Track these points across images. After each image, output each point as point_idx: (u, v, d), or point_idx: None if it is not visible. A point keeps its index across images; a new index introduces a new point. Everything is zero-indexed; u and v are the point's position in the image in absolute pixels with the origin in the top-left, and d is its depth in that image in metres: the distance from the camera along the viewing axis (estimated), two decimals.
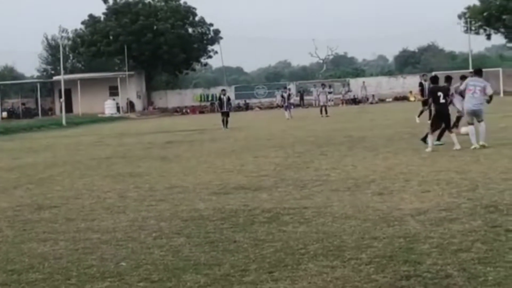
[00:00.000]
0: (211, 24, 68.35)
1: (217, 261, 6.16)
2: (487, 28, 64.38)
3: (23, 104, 64.39)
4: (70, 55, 72.23)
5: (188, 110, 62.51)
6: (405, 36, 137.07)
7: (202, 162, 15.34)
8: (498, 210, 7.73)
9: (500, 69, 56.66)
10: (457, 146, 14.59)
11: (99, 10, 68.20)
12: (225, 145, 20.14)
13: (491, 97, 15.34)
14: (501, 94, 51.57)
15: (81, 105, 57.57)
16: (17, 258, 6.74)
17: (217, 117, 33.45)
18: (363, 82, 62.95)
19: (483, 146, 14.49)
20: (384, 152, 15.08)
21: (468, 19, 62.91)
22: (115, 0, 67.10)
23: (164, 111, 63.44)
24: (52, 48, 74.80)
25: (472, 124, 15.00)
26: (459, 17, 65.68)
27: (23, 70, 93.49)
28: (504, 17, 60.87)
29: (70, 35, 69.83)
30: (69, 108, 56.09)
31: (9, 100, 68.91)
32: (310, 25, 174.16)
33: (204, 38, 68.58)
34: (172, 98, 66.74)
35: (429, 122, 16.33)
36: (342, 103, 58.97)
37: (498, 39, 69.03)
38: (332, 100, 54.16)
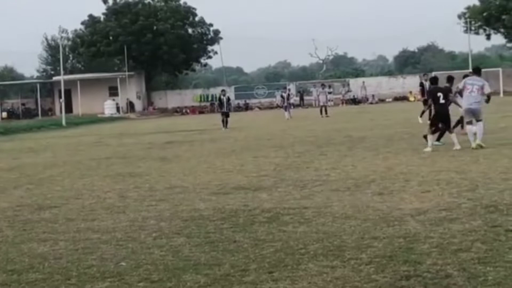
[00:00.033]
0: (211, 25, 68.41)
1: (217, 261, 6.16)
2: (487, 28, 64.39)
3: (23, 104, 64.42)
4: (70, 55, 72.25)
5: (188, 111, 62.52)
6: (405, 36, 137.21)
7: (202, 162, 15.34)
8: (498, 210, 7.73)
9: (500, 69, 56.72)
10: (457, 146, 14.59)
11: (99, 10, 68.35)
12: (225, 145, 20.14)
13: (489, 96, 15.33)
14: (501, 94, 51.59)
15: (81, 106, 57.58)
16: (17, 258, 6.74)
17: (217, 117, 33.46)
18: (363, 82, 62.97)
19: (479, 146, 14.43)
20: (384, 152, 15.08)
21: (468, 19, 62.92)
22: (115, 1, 67.11)
23: (164, 112, 63.46)
24: (52, 48, 74.80)
25: (470, 123, 14.97)
26: (459, 17, 65.74)
27: (23, 70, 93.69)
28: (503, 17, 60.86)
29: (70, 35, 69.98)
30: (69, 108, 56.10)
31: (9, 100, 68.95)
32: (310, 25, 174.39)
33: (204, 39, 68.59)
34: (172, 99, 66.75)
35: (428, 122, 16.33)
36: (342, 103, 58.97)
37: (497, 39, 69.12)
38: (332, 100, 54.12)
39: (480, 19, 63.38)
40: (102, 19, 67.70)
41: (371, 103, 58.90)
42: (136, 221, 8.36)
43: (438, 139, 15.83)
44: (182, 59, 66.23)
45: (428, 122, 16.80)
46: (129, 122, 49.43)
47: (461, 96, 15.56)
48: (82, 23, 68.07)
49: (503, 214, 7.50)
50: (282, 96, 43.05)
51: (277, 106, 56.07)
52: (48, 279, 5.90)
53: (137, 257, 6.47)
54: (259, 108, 62.20)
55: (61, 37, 62.40)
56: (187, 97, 66.57)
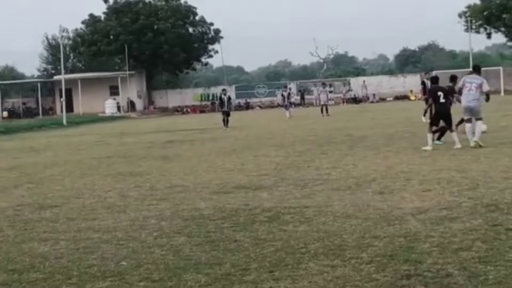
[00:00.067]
0: (212, 24, 68.40)
1: (218, 260, 6.16)
2: (488, 27, 64.33)
3: (23, 103, 64.45)
4: (71, 54, 72.23)
5: (189, 110, 62.51)
6: (405, 35, 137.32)
7: (202, 162, 15.34)
8: (499, 209, 7.73)
9: (501, 68, 56.68)
10: (458, 145, 14.58)
11: (100, 9, 68.30)
12: (226, 144, 20.15)
13: (488, 94, 15.28)
14: (502, 93, 51.54)
15: (81, 105, 57.58)
16: (18, 257, 6.74)
17: (218, 116, 33.45)
18: (364, 81, 62.92)
19: (478, 145, 14.31)
20: (384, 151, 15.08)
21: (469, 18, 62.87)
22: (116, 0, 67.09)
23: (165, 111, 63.48)
24: (53, 47, 74.79)
25: (469, 121, 14.94)
26: (460, 16, 65.69)
27: (24, 69, 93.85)
28: (504, 16, 60.82)
29: (71, 34, 69.96)
30: (69, 107, 56.13)
31: (10, 99, 68.96)
32: (311, 24, 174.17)
33: (204, 38, 68.57)
34: (173, 98, 66.77)
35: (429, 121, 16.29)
36: (343, 102, 58.95)
37: (498, 38, 69.03)
38: (333, 99, 54.11)
39: (480, 18, 63.33)
40: (102, 18, 67.68)
41: (372, 102, 58.88)
42: (137, 220, 8.36)
43: (438, 138, 15.84)
44: (183, 58, 66.22)
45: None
46: (130, 121, 49.44)
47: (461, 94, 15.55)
48: (83, 22, 68.06)
49: (503, 213, 7.50)
50: (282, 95, 43.03)
51: (278, 105, 56.04)
52: (49, 279, 5.90)
53: (138, 257, 6.47)
54: (260, 107, 62.21)
55: (62, 36, 62.52)
56: (188, 96, 66.57)
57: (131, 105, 61.30)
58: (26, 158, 19.20)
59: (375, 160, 13.52)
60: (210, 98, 64.00)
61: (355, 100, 60.30)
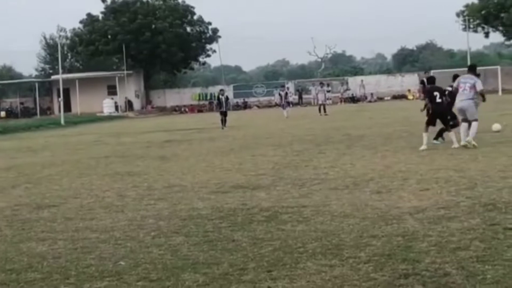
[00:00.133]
0: (210, 23, 68.39)
1: (216, 260, 6.16)
2: (485, 26, 64.43)
3: (21, 103, 64.36)
4: (69, 54, 72.17)
5: (187, 109, 62.52)
6: (403, 34, 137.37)
7: (200, 161, 15.34)
8: (497, 208, 7.74)
9: (499, 67, 56.69)
10: (456, 145, 14.58)
11: (97, 9, 68.43)
12: (224, 144, 20.14)
13: (482, 94, 15.22)
14: (500, 92, 51.57)
15: (79, 104, 57.52)
16: (16, 257, 6.74)
17: (216, 116, 33.46)
18: (362, 80, 62.95)
19: (472, 145, 14.32)
20: (382, 151, 15.09)
21: (467, 17, 62.95)
22: None
23: (163, 110, 63.46)
24: (50, 47, 74.69)
25: (464, 121, 14.90)
26: (458, 15, 65.77)
27: (21, 69, 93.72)
28: (502, 15, 60.95)
29: (68, 34, 69.99)
30: (67, 107, 56.05)
31: (8, 99, 68.94)
32: (309, 23, 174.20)
33: (202, 37, 68.55)
34: (171, 97, 66.76)
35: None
36: (341, 102, 59.01)
37: (496, 37, 69.14)
38: (331, 99, 54.15)
39: (478, 17, 63.43)
40: (100, 18, 67.66)
41: (370, 101, 58.92)
42: (135, 220, 8.36)
43: (436, 138, 15.84)
44: (181, 58, 66.20)
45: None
46: (128, 121, 49.43)
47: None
48: (81, 22, 68.03)
49: (501, 212, 7.51)
50: (280, 95, 43.05)
51: (276, 105, 55.95)
52: (47, 279, 5.90)
53: (136, 256, 6.47)
54: (258, 106, 62.20)
55: (60, 36, 62.51)
56: (186, 95, 66.57)
57: (129, 104, 61.28)
58: (24, 158, 19.19)
59: (373, 160, 13.53)
60: (208, 97, 64.02)
61: (353, 100, 60.32)
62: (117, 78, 59.89)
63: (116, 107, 58.98)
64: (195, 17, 68.17)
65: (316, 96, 44.36)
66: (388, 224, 7.25)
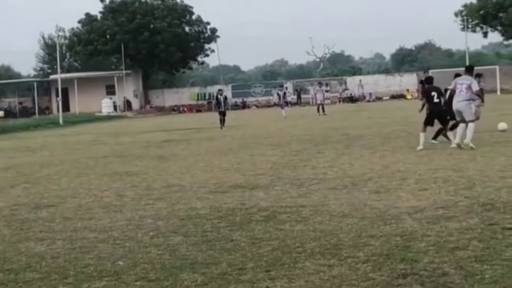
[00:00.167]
0: (208, 23, 68.36)
1: (214, 260, 6.16)
2: (484, 26, 64.48)
3: (20, 103, 64.31)
4: (67, 54, 72.14)
5: (185, 109, 62.51)
6: (402, 34, 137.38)
7: (199, 161, 15.34)
8: (495, 208, 7.74)
9: (497, 67, 56.68)
10: (454, 145, 14.58)
11: (96, 8, 68.37)
12: (222, 144, 20.14)
13: (478, 94, 15.20)
14: (498, 92, 51.61)
15: (78, 104, 57.46)
16: (14, 257, 6.73)
17: (214, 115, 33.45)
18: (360, 80, 62.97)
19: (461, 145, 14.34)
20: (381, 150, 15.09)
21: (465, 17, 62.96)
22: None
23: (161, 110, 63.45)
24: (49, 47, 74.65)
25: (462, 122, 14.89)
26: (456, 15, 65.79)
27: (20, 69, 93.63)
28: (500, 15, 61.01)
29: (67, 34, 69.94)
30: (66, 107, 55.99)
31: (6, 99, 68.87)
32: (307, 23, 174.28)
33: (201, 37, 68.56)
34: (169, 97, 66.74)
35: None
36: (339, 102, 59.02)
37: (494, 36, 69.25)
38: (329, 99, 54.14)
39: (477, 17, 63.49)
40: (99, 17, 67.63)
41: (368, 101, 58.96)
42: (133, 220, 8.36)
43: (435, 137, 15.85)
44: (179, 58, 66.19)
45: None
46: (126, 120, 49.41)
47: (478, 96, 15.54)
48: (79, 21, 67.98)
49: (500, 212, 7.51)
50: (278, 94, 43.07)
51: (274, 104, 56.05)
52: (45, 278, 5.90)
53: (134, 256, 6.46)
54: (256, 106, 62.21)
55: (58, 35, 62.10)
56: (184, 95, 66.56)
57: (128, 104, 61.25)
58: (23, 158, 19.17)
59: (372, 159, 13.53)
60: (207, 97, 64.05)
61: (352, 99, 60.34)
62: (115, 78, 59.86)
63: (115, 107, 58.94)
64: (193, 17, 68.17)
65: (315, 96, 44.40)
66: (387, 224, 7.25)
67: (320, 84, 45.76)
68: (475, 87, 14.86)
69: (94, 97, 58.56)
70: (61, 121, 45.20)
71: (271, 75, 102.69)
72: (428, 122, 15.32)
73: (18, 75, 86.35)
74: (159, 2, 67.38)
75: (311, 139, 19.87)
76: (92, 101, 57.87)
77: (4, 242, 7.49)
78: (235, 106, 60.47)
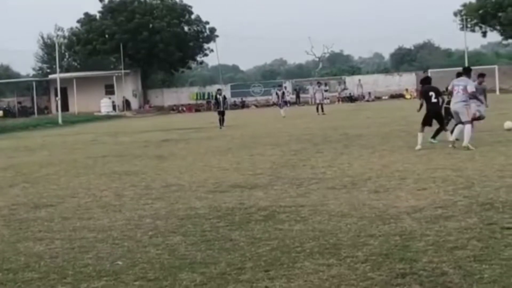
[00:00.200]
0: (207, 22, 68.27)
1: (213, 259, 6.16)
2: (483, 26, 64.45)
3: (19, 102, 64.22)
4: (66, 53, 72.04)
5: (184, 108, 62.47)
6: (401, 33, 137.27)
7: (198, 161, 15.34)
8: (494, 208, 7.75)
9: (496, 67, 56.66)
10: (450, 143, 14.59)
11: (95, 8, 68.16)
12: (221, 143, 20.14)
13: (473, 95, 15.21)
14: (497, 92, 51.59)
15: (77, 104, 57.42)
16: (13, 257, 6.73)
17: (213, 115, 33.44)
18: (359, 80, 62.92)
19: (453, 143, 14.36)
20: (380, 150, 15.10)
21: (464, 17, 62.96)
22: None
23: (160, 110, 63.40)
24: (48, 46, 74.55)
25: (460, 123, 14.87)
26: (455, 14, 65.78)
27: (19, 68, 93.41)
28: (499, 14, 60.95)
29: (66, 33, 69.75)
30: (65, 106, 55.98)
31: (5, 99, 68.75)
32: (306, 23, 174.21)
33: (200, 36, 68.49)
34: (168, 97, 66.69)
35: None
36: (338, 101, 58.98)
37: (493, 36, 69.15)
38: (328, 98, 54.15)
39: (476, 17, 63.46)
40: (98, 17, 67.52)
41: (367, 101, 58.91)
42: (132, 219, 8.36)
43: (433, 137, 15.86)
44: (178, 57, 66.12)
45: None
46: (125, 120, 49.40)
47: (475, 98, 15.53)
48: (78, 21, 67.87)
49: (498, 212, 7.52)
50: (277, 94, 43.07)
51: (273, 104, 56.04)
52: (44, 278, 5.89)
53: (133, 256, 6.46)
54: (256, 106, 62.19)
55: (57, 35, 62.04)
56: (183, 95, 66.51)
57: (127, 104, 61.21)
58: (22, 157, 19.17)
59: (371, 159, 13.54)
60: (206, 97, 64.01)
61: (351, 99, 60.31)
62: (114, 78, 59.81)
63: (114, 107, 58.89)
64: (192, 17, 68.08)
65: (314, 95, 44.43)
66: (386, 223, 7.25)
67: (319, 83, 45.75)
68: (471, 88, 14.89)
69: (93, 96, 58.52)
70: (60, 120, 45.19)
71: (270, 75, 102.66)
72: (426, 122, 15.33)
73: (17, 75, 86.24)
74: (158, 1, 67.29)
75: (310, 138, 19.87)
76: (91, 100, 57.83)
77: (3, 242, 7.49)
78: (234, 106, 60.41)
